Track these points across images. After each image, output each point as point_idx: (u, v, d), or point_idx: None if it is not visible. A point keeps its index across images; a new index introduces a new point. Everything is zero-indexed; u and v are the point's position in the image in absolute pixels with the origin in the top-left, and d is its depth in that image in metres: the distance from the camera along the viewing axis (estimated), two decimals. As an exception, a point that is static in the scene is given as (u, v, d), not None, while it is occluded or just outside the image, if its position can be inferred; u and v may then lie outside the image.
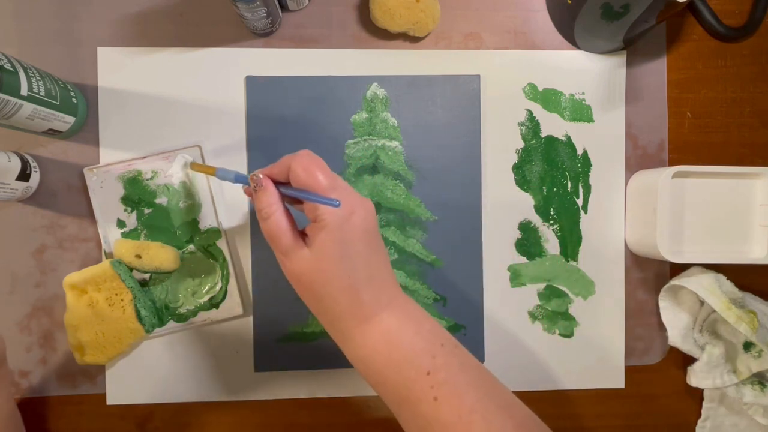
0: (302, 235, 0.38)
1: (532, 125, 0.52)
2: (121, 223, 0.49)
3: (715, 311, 0.50)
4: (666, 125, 0.53)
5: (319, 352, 0.50)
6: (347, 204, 0.36)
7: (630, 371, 0.53)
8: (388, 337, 0.37)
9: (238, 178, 0.41)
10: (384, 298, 0.38)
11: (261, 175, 0.38)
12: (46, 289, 0.49)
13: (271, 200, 0.38)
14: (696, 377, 0.51)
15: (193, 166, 0.47)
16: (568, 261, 0.53)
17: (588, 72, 0.52)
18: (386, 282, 0.38)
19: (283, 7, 0.50)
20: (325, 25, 0.51)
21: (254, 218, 0.50)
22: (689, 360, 0.53)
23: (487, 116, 0.52)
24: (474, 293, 0.51)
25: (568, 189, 0.52)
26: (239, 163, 0.50)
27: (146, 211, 0.49)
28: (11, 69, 0.39)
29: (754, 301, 0.51)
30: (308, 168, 0.36)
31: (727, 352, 0.51)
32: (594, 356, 0.53)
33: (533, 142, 0.52)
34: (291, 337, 0.50)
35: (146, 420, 0.50)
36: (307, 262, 0.37)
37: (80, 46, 0.49)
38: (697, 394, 0.54)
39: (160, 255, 0.47)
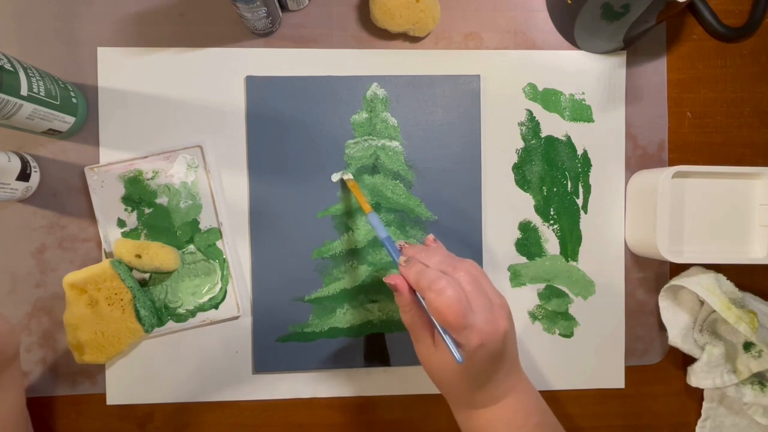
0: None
1: (532, 125, 0.52)
2: (121, 223, 0.49)
3: (715, 311, 0.50)
4: (666, 125, 0.53)
5: (319, 352, 0.50)
6: (476, 339, 0.36)
7: (630, 371, 0.53)
8: (492, 427, 0.40)
9: (387, 241, 0.42)
10: (497, 394, 0.40)
11: (394, 282, 0.39)
12: (46, 289, 0.49)
13: (405, 302, 0.39)
14: (696, 377, 0.51)
15: (353, 186, 0.48)
16: (568, 261, 0.53)
17: (588, 72, 0.52)
18: (502, 381, 0.40)
19: (283, 7, 0.50)
20: (325, 25, 0.51)
21: (254, 219, 0.50)
22: (689, 360, 0.53)
23: (487, 116, 0.52)
24: (474, 293, 0.51)
25: (568, 189, 0.52)
26: (239, 163, 0.50)
27: (147, 210, 0.49)
28: (11, 69, 0.39)
29: (754, 301, 0.51)
30: (440, 312, 0.36)
31: (727, 352, 0.51)
32: (594, 356, 0.53)
33: (533, 142, 0.52)
34: (291, 336, 0.50)
35: (146, 420, 0.50)
36: (431, 357, 0.39)
37: (80, 46, 0.49)
38: (697, 394, 0.54)
39: (160, 255, 0.47)
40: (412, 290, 0.39)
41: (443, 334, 0.37)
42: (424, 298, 0.37)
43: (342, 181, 0.50)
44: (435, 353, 0.39)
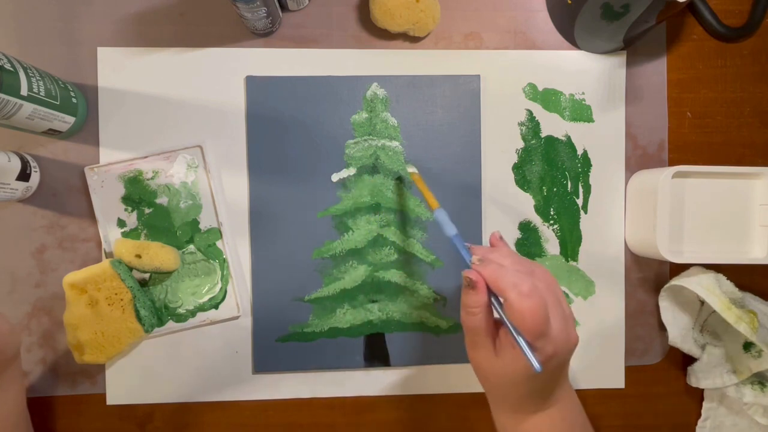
0: (497, 327, 0.38)
1: (532, 125, 0.52)
2: (121, 223, 0.49)
3: (715, 311, 0.50)
4: (666, 125, 0.53)
5: (318, 352, 0.50)
6: (551, 348, 0.35)
7: (630, 371, 0.53)
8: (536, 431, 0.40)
9: (456, 240, 0.39)
10: (549, 402, 0.39)
11: (475, 278, 0.37)
12: (46, 289, 0.49)
13: (479, 302, 0.37)
14: (696, 377, 0.51)
15: (417, 180, 0.46)
16: (568, 261, 0.52)
17: (588, 72, 0.52)
18: (554, 392, 0.39)
19: (283, 7, 0.50)
20: (325, 25, 0.51)
21: (254, 219, 0.50)
22: (689, 360, 0.53)
23: (487, 116, 0.52)
24: (474, 293, 0.51)
25: (568, 189, 0.52)
26: (239, 163, 0.50)
27: (147, 210, 0.49)
28: (11, 69, 0.39)
29: (754, 301, 0.51)
30: (523, 317, 0.34)
31: (727, 352, 0.51)
32: (594, 356, 0.53)
33: (533, 142, 0.52)
34: (291, 336, 0.50)
35: (146, 420, 0.50)
36: (489, 363, 0.38)
37: (80, 46, 0.49)
38: (697, 394, 0.54)
39: (161, 255, 0.47)
40: (488, 292, 0.37)
41: (519, 339, 0.35)
42: (504, 299, 0.35)
43: (342, 181, 0.50)
44: (497, 361, 0.37)
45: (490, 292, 0.37)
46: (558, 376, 0.38)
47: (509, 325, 0.35)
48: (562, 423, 0.40)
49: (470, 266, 0.38)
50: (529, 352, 0.34)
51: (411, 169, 0.49)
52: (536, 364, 0.34)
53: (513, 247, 0.52)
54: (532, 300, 0.34)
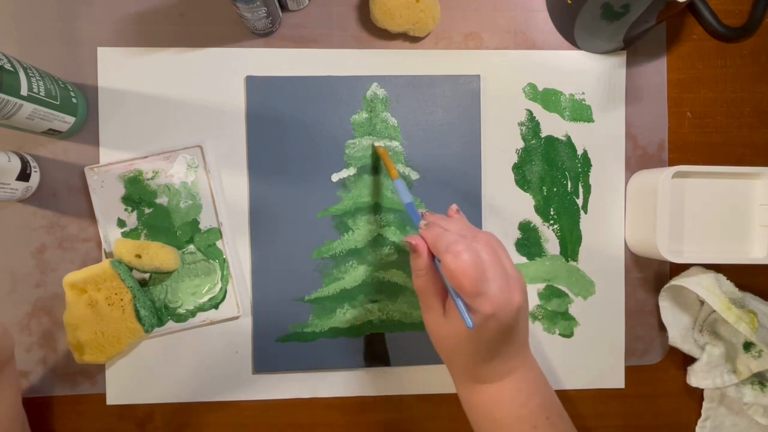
0: (446, 290, 0.39)
1: (532, 125, 0.52)
2: (121, 223, 0.49)
3: (715, 311, 0.50)
4: (666, 125, 0.53)
5: (318, 352, 0.50)
6: (488, 307, 0.36)
7: (630, 371, 0.53)
8: (493, 403, 0.40)
9: (409, 207, 0.42)
10: (503, 371, 0.40)
11: (415, 242, 0.39)
12: (46, 289, 0.49)
13: (422, 265, 0.39)
14: (696, 377, 0.51)
15: (382, 153, 0.48)
16: (568, 261, 0.53)
17: (588, 72, 0.52)
18: (510, 358, 0.39)
19: (283, 7, 0.50)
20: (325, 25, 0.51)
21: (254, 219, 0.50)
22: (689, 360, 0.53)
23: (487, 116, 0.52)
24: (474, 293, 0.51)
25: (568, 189, 0.52)
26: (239, 163, 0.50)
27: (147, 210, 0.49)
28: (11, 69, 0.39)
29: (754, 301, 0.51)
30: (455, 276, 0.35)
31: (727, 352, 0.51)
32: (594, 356, 0.53)
33: (533, 142, 0.52)
34: (291, 336, 0.50)
35: (146, 420, 0.50)
36: (439, 327, 0.39)
37: (80, 46, 0.49)
38: (697, 394, 0.54)
39: (161, 255, 0.47)
40: (431, 255, 0.38)
41: (455, 298, 0.36)
42: (440, 261, 0.37)
43: (342, 181, 0.50)
44: (445, 323, 0.39)
45: (434, 256, 0.38)
46: (506, 340, 0.38)
47: (447, 285, 0.37)
48: (518, 394, 0.40)
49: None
50: (463, 309, 0.36)
51: (378, 143, 0.50)
52: (468, 321, 0.35)
53: (511, 247, 0.52)
54: (465, 259, 0.35)
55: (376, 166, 0.51)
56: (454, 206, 0.42)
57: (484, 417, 0.41)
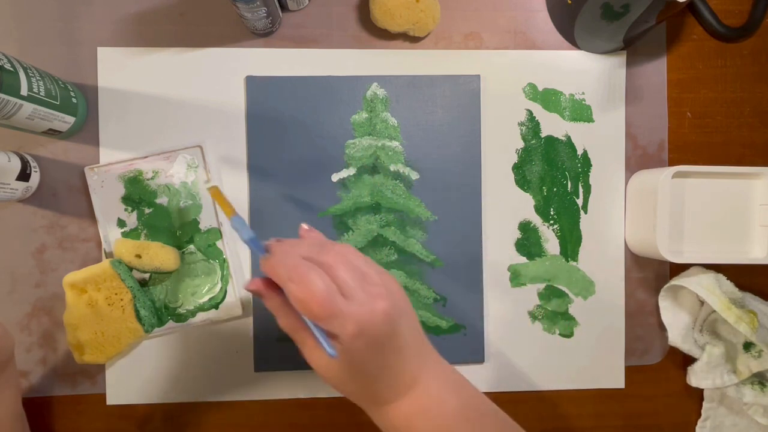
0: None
1: (532, 125, 0.52)
2: (121, 223, 0.49)
3: (715, 311, 0.50)
4: (666, 125, 0.53)
5: (319, 352, 0.50)
6: (351, 325, 0.32)
7: (630, 371, 0.53)
8: (407, 421, 0.36)
9: (251, 243, 0.37)
10: (402, 385, 0.36)
11: (255, 288, 0.35)
12: (46, 289, 0.49)
13: (274, 305, 0.35)
14: (696, 377, 0.51)
15: (213, 193, 0.42)
16: (568, 261, 0.52)
17: (588, 72, 0.52)
18: (405, 370, 0.36)
19: (283, 7, 0.50)
20: (325, 25, 0.51)
21: (254, 219, 0.50)
22: (689, 360, 0.53)
23: (487, 116, 0.52)
24: (474, 293, 0.51)
25: (568, 189, 0.52)
26: (239, 163, 0.50)
27: (147, 210, 0.49)
28: (11, 69, 0.39)
29: (754, 301, 0.51)
30: (302, 303, 0.32)
31: (727, 352, 0.51)
32: (594, 356, 0.53)
33: (533, 142, 0.52)
34: (291, 337, 0.50)
35: (146, 420, 0.50)
36: (317, 360, 0.35)
37: (80, 46, 0.49)
38: (697, 394, 0.54)
39: (161, 255, 0.47)
40: (280, 290, 0.34)
41: (311, 327, 0.33)
42: (286, 292, 0.33)
43: (342, 181, 0.50)
44: (321, 355, 0.34)
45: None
46: (387, 353, 0.34)
47: (302, 315, 0.33)
48: (430, 403, 0.36)
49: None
50: (320, 338, 0.32)
51: (209, 185, 0.48)
52: (329, 349, 0.32)
53: (511, 247, 0.52)
54: (308, 282, 0.31)
55: (375, 165, 0.51)
56: (304, 225, 0.38)
57: None
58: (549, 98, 0.52)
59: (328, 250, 0.34)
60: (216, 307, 0.49)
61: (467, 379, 0.39)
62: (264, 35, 0.50)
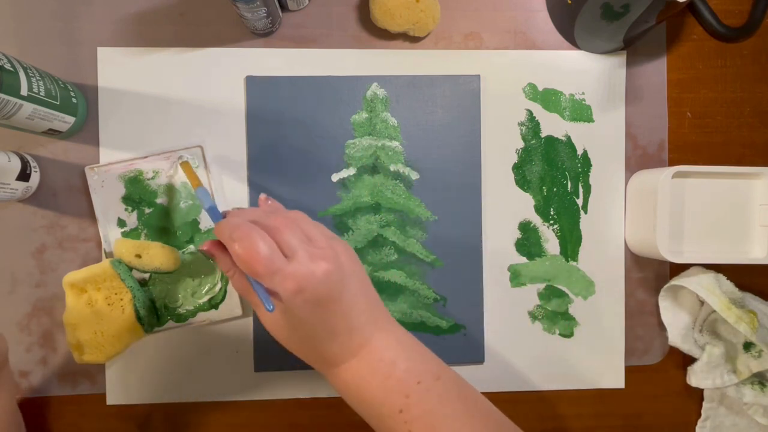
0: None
1: (532, 125, 0.52)
2: (121, 223, 0.49)
3: (715, 311, 0.50)
4: (666, 125, 0.53)
5: (319, 352, 0.50)
6: (291, 283, 0.33)
7: (630, 371, 0.53)
8: (357, 381, 0.37)
9: (211, 211, 0.40)
10: (353, 345, 0.37)
11: (207, 248, 0.38)
12: (46, 289, 0.49)
13: (225, 266, 0.38)
14: (696, 377, 0.51)
15: (184, 166, 0.47)
16: (568, 261, 0.53)
17: (588, 72, 0.52)
18: (354, 330, 0.37)
19: (283, 7, 0.50)
20: (325, 25, 0.51)
21: (254, 218, 0.50)
22: (689, 360, 0.53)
23: (487, 116, 0.52)
24: (474, 293, 0.51)
25: (568, 189, 0.52)
26: (239, 163, 0.50)
27: (147, 210, 0.49)
28: (11, 69, 0.39)
29: (754, 301, 0.51)
30: (243, 261, 0.33)
31: (727, 352, 0.51)
32: (594, 356, 0.53)
33: (533, 142, 0.52)
34: (291, 337, 0.50)
35: (146, 420, 0.50)
36: (267, 320, 0.37)
37: (80, 46, 0.49)
38: (697, 394, 0.54)
39: (160, 255, 0.47)
40: (227, 253, 0.36)
41: (252, 283, 0.34)
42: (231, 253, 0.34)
43: (342, 181, 0.50)
44: (270, 315, 0.37)
45: None
46: (331, 312, 0.35)
47: (245, 274, 0.35)
48: (379, 364, 0.37)
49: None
50: (260, 292, 0.34)
51: (182, 160, 0.48)
52: (267, 304, 0.34)
53: (511, 247, 0.52)
54: (249, 240, 0.33)
55: (375, 165, 0.51)
56: (263, 195, 0.41)
57: (355, 400, 0.38)
58: (549, 98, 0.52)
59: (277, 214, 0.36)
60: (216, 307, 0.49)
61: (420, 342, 0.40)
62: (264, 35, 0.50)
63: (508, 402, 0.48)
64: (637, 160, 0.53)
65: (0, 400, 0.41)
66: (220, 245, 0.37)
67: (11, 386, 0.43)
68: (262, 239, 0.33)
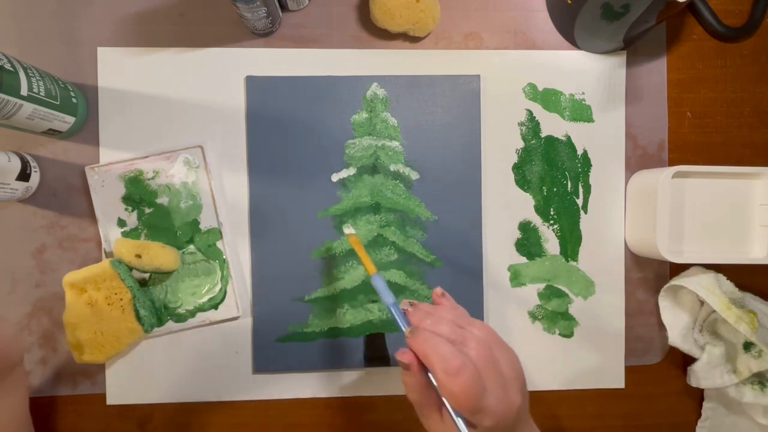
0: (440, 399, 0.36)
1: (532, 125, 0.52)
2: (121, 223, 0.49)
3: (715, 311, 0.50)
4: (666, 125, 0.53)
5: (318, 352, 0.50)
6: (489, 419, 0.34)
7: (630, 371, 0.53)
8: None
9: (393, 309, 0.38)
10: None
11: (407, 360, 0.36)
12: (46, 289, 0.49)
13: (415, 384, 0.36)
14: (696, 377, 0.51)
15: (354, 242, 0.44)
16: (568, 261, 0.52)
17: (588, 72, 0.52)
18: None
19: (283, 7, 0.50)
20: (325, 25, 0.51)
21: (254, 219, 0.50)
22: (689, 360, 0.53)
23: (487, 116, 0.52)
24: (474, 293, 0.51)
25: (568, 189, 0.52)
26: (239, 163, 0.50)
27: (147, 210, 0.49)
28: (11, 69, 0.39)
29: (754, 301, 0.51)
30: (454, 397, 0.33)
31: (727, 352, 0.51)
32: (594, 356, 0.53)
33: (533, 142, 0.52)
34: (291, 336, 0.50)
35: (146, 420, 0.50)
36: (438, 429, 0.36)
37: (80, 46, 0.49)
38: (697, 394, 0.54)
39: (161, 255, 0.47)
40: (423, 368, 0.35)
41: (455, 418, 0.34)
42: (435, 379, 0.34)
43: (342, 181, 0.50)
44: (444, 428, 0.36)
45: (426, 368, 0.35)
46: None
47: (446, 403, 0.35)
48: None
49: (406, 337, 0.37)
50: (464, 429, 0.34)
51: (349, 230, 0.47)
52: None
53: (511, 247, 0.52)
54: (461, 378, 0.33)
55: (375, 165, 0.51)
56: (438, 289, 0.40)
57: None
58: (549, 98, 0.52)
59: (470, 337, 0.36)
60: (215, 307, 0.49)
61: None
62: (264, 35, 0.50)
63: (508, 402, 0.48)
64: (637, 160, 0.53)
65: (14, 398, 0.41)
66: (416, 361, 0.36)
67: (25, 388, 0.43)
68: (473, 375, 0.33)
